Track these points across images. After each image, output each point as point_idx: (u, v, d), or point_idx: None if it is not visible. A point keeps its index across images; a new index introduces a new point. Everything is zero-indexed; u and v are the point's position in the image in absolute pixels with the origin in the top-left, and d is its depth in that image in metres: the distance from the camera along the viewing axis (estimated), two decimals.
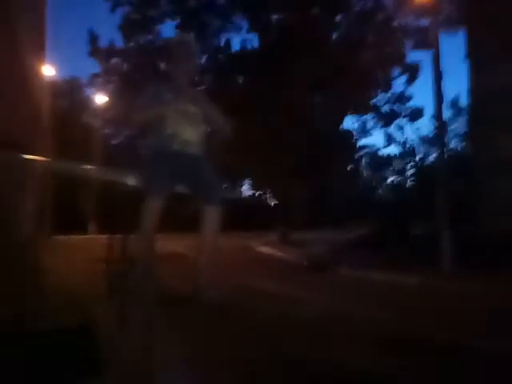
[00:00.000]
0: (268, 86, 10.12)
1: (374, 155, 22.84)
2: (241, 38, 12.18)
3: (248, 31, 11.84)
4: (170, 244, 8.29)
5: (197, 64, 2.23)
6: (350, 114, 13.26)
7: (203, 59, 10.84)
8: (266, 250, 9.22)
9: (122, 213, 2.15)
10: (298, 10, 10.62)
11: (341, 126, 13.52)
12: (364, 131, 15.18)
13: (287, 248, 8.93)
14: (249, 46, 11.87)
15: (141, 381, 1.33)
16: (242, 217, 15.86)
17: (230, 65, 11.49)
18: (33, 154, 2.28)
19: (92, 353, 1.79)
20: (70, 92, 21.05)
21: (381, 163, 23.73)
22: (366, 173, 25.19)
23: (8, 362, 1.64)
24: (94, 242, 9.59)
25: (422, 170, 15.84)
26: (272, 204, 21.05)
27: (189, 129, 1.93)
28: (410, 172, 21.65)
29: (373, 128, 15.30)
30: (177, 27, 11.87)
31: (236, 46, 13.86)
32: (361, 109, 12.87)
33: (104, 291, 2.42)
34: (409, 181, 19.69)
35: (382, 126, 15.45)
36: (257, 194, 24.46)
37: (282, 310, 2.50)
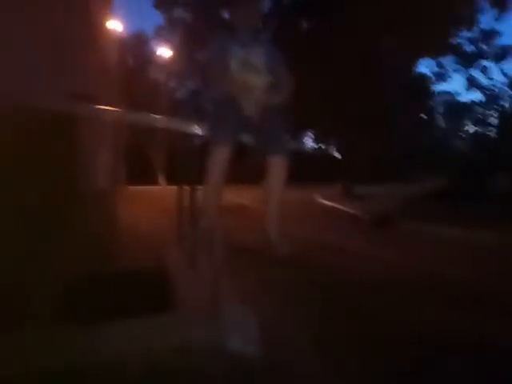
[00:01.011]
0: (332, 31, 9.49)
1: (452, 102, 20.84)
2: None
3: None
4: (235, 196, 8.51)
5: (260, 9, 2.10)
6: (426, 56, 12.05)
7: (266, 4, 10.37)
8: (329, 203, 9.10)
9: (191, 163, 2.19)
10: None
11: (414, 70, 12.40)
12: (442, 75, 13.75)
13: (351, 201, 8.73)
14: None
15: (208, 317, 1.40)
16: (304, 169, 15.70)
17: (294, 9, 10.87)
18: (105, 106, 2.36)
19: (164, 291, 1.93)
20: (136, 46, 21.51)
21: (459, 111, 21.60)
22: (443, 122, 23.19)
23: (95, 297, 1.82)
24: (164, 192, 10.15)
25: (506, 118, 14.22)
26: (337, 156, 20.55)
27: (253, 77, 1.86)
28: (491, 121, 19.56)
29: (453, 71, 13.79)
30: None
31: None
32: (438, 49, 11.59)
33: (174, 239, 2.55)
34: (489, 131, 17.88)
35: (464, 68, 13.79)
36: (320, 146, 23.93)
37: (342, 263, 2.46)
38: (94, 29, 3.89)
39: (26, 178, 1.73)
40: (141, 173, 18.65)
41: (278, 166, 1.70)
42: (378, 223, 5.34)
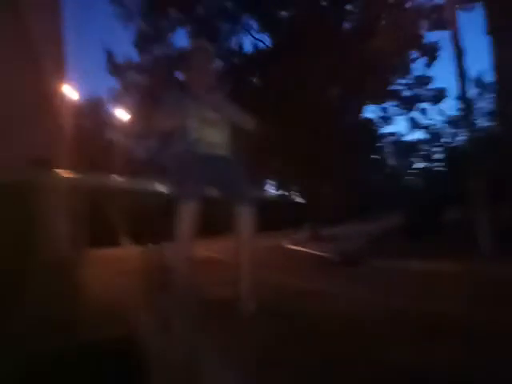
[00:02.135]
0: (283, 84, 10.07)
1: (398, 142, 22.27)
2: (252, 39, 12.19)
3: (258, 31, 11.87)
4: (205, 249, 8.37)
5: (214, 69, 2.20)
6: (370, 103, 13.00)
7: (218, 64, 10.94)
8: (297, 248, 9.16)
9: (155, 222, 2.18)
10: (306, 4, 10.53)
11: (361, 116, 13.26)
12: (386, 118, 14.83)
13: (318, 244, 8.83)
14: (260, 46, 11.89)
15: None
16: (269, 216, 15.85)
17: (245, 66, 11.52)
18: (62, 170, 2.34)
19: (140, 361, 1.82)
20: (93, 110, 21.63)
21: (406, 150, 23.08)
22: (391, 161, 24.59)
23: (62, 374, 1.68)
24: (129, 253, 9.81)
25: (451, 152, 15.30)
26: (298, 201, 20.94)
27: (212, 132, 1.92)
28: (437, 156, 20.94)
29: (395, 115, 14.95)
30: (188, 35, 12.03)
31: (248, 47, 13.86)
32: (380, 96, 12.59)
33: (144, 302, 2.45)
34: (437, 166, 19.06)
35: (405, 112, 15.02)
36: (281, 193, 24.38)
37: (323, 308, 2.46)
38: (48, 93, 3.92)
39: None
40: (103, 235, 17.97)
41: (245, 216, 1.72)
42: (347, 263, 5.41)
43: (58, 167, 3.02)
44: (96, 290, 3.57)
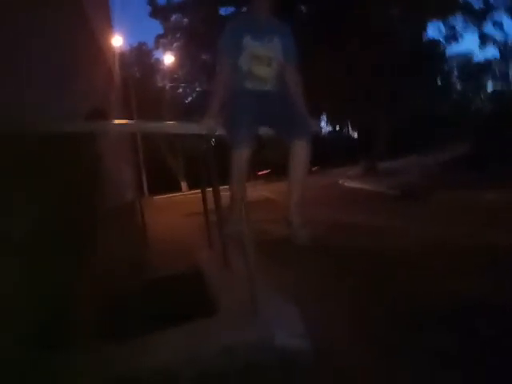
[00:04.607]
0: (335, 9, 9.28)
1: (467, 63, 19.99)
2: None
3: None
4: (260, 190, 8.50)
5: None
6: (434, 18, 11.54)
7: None
8: (353, 184, 8.98)
9: (210, 166, 2.19)
10: None
11: (424, 36, 11.94)
12: (453, 36, 13.07)
13: (375, 179, 8.58)
14: None
15: (252, 317, 1.40)
16: (324, 153, 15.51)
17: None
18: (118, 119, 2.38)
19: (203, 295, 1.94)
20: (140, 57, 21.71)
21: (476, 71, 20.66)
22: (458, 85, 22.26)
23: (137, 307, 1.84)
24: (188, 197, 10.25)
25: None
26: (353, 136, 20.21)
27: (263, 68, 1.83)
28: None
29: (464, 30, 13.08)
30: None
31: None
32: (446, 9, 11.07)
33: (205, 242, 2.56)
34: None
35: (475, 26, 12.98)
36: (335, 129, 23.61)
37: (379, 243, 2.41)
38: (98, 44, 3.94)
39: (50, 197, 1.77)
40: (163, 181, 18.85)
41: (300, 152, 1.66)
42: (408, 196, 5.22)
43: (112, 116, 3.08)
44: (160, 231, 3.80)
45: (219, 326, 1.42)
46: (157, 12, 13.19)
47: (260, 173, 16.29)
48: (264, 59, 1.81)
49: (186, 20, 13.23)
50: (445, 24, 12.10)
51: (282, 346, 1.22)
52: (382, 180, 8.04)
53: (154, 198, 13.87)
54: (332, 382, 1.10)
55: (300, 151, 1.64)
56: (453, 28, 12.27)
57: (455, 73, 20.40)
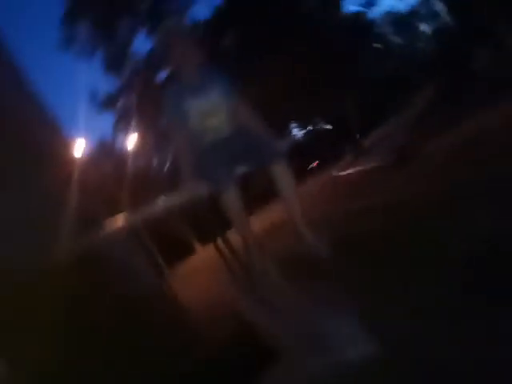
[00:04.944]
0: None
1: (395, 16, 20.36)
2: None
3: None
4: (262, 220, 8.49)
5: (194, 41, 2.07)
6: None
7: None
8: (347, 171, 9.03)
9: (210, 220, 2.23)
10: None
11: (341, 14, 12.34)
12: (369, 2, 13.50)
13: (366, 158, 8.65)
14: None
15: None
16: (308, 154, 15.61)
17: (213, 28, 11.02)
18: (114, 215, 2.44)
19: (265, 345, 1.91)
20: (107, 150, 22.13)
21: (405, 19, 21.01)
22: (397, 42, 22.68)
23: None
24: (205, 254, 10.22)
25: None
26: (328, 129, 20.43)
27: (213, 118, 1.90)
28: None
29: None
30: (148, 34, 11.79)
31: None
32: None
33: (238, 290, 2.55)
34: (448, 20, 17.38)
35: None
36: (309, 129, 23.87)
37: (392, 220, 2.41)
38: (64, 160, 4.04)
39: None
40: (177, 251, 18.84)
41: (280, 173, 1.72)
42: (402, 160, 5.25)
43: (109, 216, 3.14)
44: (194, 303, 3.77)
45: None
46: (103, 105, 13.65)
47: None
48: (210, 111, 1.89)
49: (131, 100, 13.69)
50: None
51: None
52: (372, 155, 8.10)
53: (177, 269, 13.83)
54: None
55: (281, 173, 1.70)
56: None
57: (389, 32, 20.88)
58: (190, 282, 6.70)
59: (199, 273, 7.62)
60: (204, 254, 10.73)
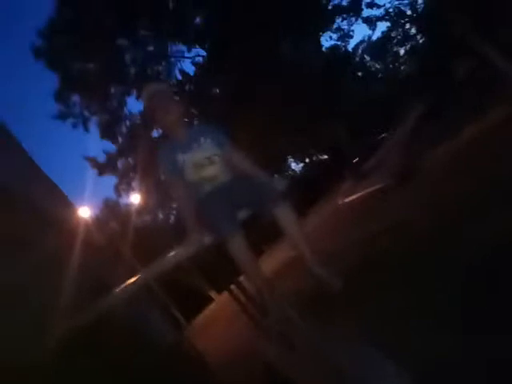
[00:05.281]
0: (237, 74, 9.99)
1: (370, 45, 21.15)
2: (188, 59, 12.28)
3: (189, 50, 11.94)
4: (272, 260, 8.40)
5: (178, 104, 2.19)
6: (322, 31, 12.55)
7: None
8: (350, 197, 9.03)
9: (220, 267, 2.24)
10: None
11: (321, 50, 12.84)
12: (346, 36, 14.05)
13: (366, 182, 8.68)
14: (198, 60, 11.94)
15: None
16: (310, 188, 15.68)
17: (195, 85, 11.51)
18: (127, 280, 2.45)
19: None
20: (112, 213, 22.34)
21: (381, 47, 21.84)
22: (375, 64, 23.36)
23: None
24: (221, 301, 10.04)
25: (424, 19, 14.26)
26: (324, 159, 20.66)
27: (209, 168, 1.96)
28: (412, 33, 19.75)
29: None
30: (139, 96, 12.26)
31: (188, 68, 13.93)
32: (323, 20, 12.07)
33: (259, 337, 2.50)
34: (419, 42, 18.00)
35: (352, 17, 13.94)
36: (307, 162, 24.11)
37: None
38: (70, 229, 4.11)
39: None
40: (194, 302, 18.49)
41: (283, 214, 1.74)
42: (403, 179, 5.27)
43: (123, 280, 3.14)
44: (213, 351, 3.69)
45: None
46: (102, 169, 13.94)
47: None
48: (204, 162, 1.95)
49: (129, 159, 13.99)
50: (331, 31, 13.21)
51: None
52: (373, 178, 8.14)
53: (194, 322, 13.51)
54: None
55: (283, 212, 1.72)
56: (339, 29, 13.39)
57: (367, 58, 21.61)
58: (208, 331, 6.55)
59: (217, 321, 7.46)
60: (221, 302, 10.54)
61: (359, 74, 17.00)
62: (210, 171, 1.93)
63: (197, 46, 11.82)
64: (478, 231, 1.74)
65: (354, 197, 8.92)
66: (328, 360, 1.48)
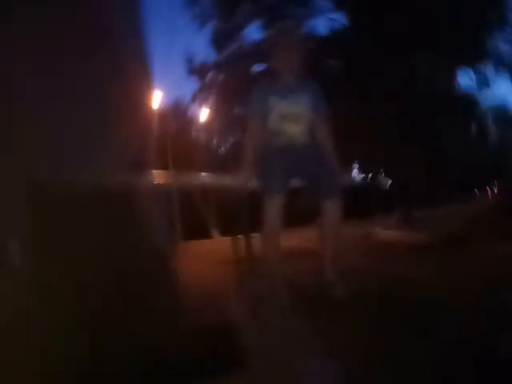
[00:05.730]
0: (362, 62, 9.57)
1: (503, 110, 19.50)
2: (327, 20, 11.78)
3: (333, 10, 11.45)
4: (291, 239, 8.38)
5: (305, 51, 2.10)
6: (463, 65, 11.58)
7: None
8: (388, 234, 8.74)
9: (242, 215, 2.22)
10: None
11: (455, 84, 11.94)
12: (485, 83, 12.88)
13: (411, 228, 8.32)
14: (336, 26, 11.46)
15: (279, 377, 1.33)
16: (357, 203, 15.32)
17: (322, 50, 11.13)
18: (155, 170, 2.50)
19: (233, 348, 1.88)
20: (176, 113, 22.95)
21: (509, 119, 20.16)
22: (495, 132, 21.60)
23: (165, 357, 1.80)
24: (219, 244, 10.30)
25: None
26: (387, 184, 19.96)
27: (292, 125, 1.90)
28: None
29: (495, 78, 12.88)
30: (262, 27, 12.05)
31: (322, 29, 13.40)
32: (475, 56, 11.09)
33: (236, 290, 2.53)
34: None
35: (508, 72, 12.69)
36: (367, 177, 23.36)
37: (421, 295, 2.30)
38: (137, 98, 4.20)
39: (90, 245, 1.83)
40: (195, 229, 19.11)
41: (331, 211, 1.68)
42: (445, 246, 5.00)
43: (150, 168, 3.23)
44: (190, 279, 3.79)
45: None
46: (193, 71, 14.09)
47: None
48: (292, 117, 1.89)
49: (220, 76, 14.01)
50: (475, 72, 12.04)
51: None
52: (418, 229, 7.79)
53: (188, 244, 14.01)
54: None
55: (331, 210, 1.66)
56: (483, 75, 12.15)
57: (490, 121, 19.96)
58: (194, 261, 6.75)
59: (206, 257, 7.66)
60: (218, 244, 10.78)
61: (475, 128, 15.75)
62: (292, 128, 1.87)
63: (342, 10, 11.27)
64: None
65: (388, 235, 8.63)
66: (284, 349, 1.47)
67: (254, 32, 14.29)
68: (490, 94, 13.62)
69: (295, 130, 1.88)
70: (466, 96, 12.46)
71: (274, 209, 1.65)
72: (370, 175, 22.38)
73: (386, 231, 9.15)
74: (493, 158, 19.72)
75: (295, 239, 7.62)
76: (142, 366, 1.74)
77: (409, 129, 9.81)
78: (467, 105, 12.52)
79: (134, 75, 4.13)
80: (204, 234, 19.80)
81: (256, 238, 2.01)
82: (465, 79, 13.60)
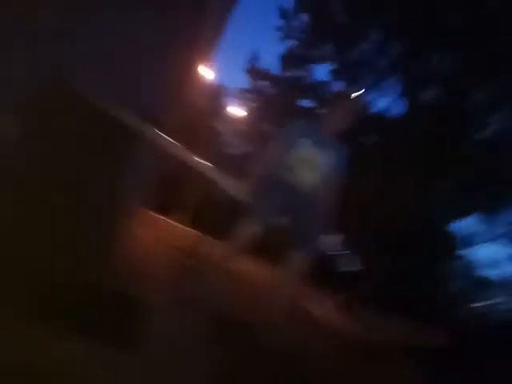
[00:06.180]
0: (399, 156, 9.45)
1: None
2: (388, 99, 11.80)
3: (399, 94, 11.31)
4: (249, 267, 8.24)
5: (355, 121, 2.18)
6: None
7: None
8: (322, 311, 8.60)
9: (220, 217, 2.22)
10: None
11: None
12: None
13: (348, 317, 8.24)
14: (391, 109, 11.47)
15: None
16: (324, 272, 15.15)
17: (367, 126, 10.93)
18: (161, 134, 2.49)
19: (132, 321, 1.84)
20: (214, 96, 22.96)
21: None
22: None
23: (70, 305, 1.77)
24: (180, 231, 10.15)
25: None
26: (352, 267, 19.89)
27: (308, 172, 1.93)
28: None
29: None
30: (330, 72, 12.25)
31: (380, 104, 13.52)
32: None
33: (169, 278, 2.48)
34: None
35: None
36: (343, 253, 23.35)
37: None
38: (186, 65, 4.20)
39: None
40: (168, 205, 18.79)
41: (297, 260, 1.69)
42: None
43: (162, 131, 3.23)
44: (137, 246, 3.72)
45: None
46: (251, 72, 14.21)
47: None
48: (311, 164, 1.93)
49: (272, 90, 14.17)
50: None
51: None
52: (353, 322, 7.67)
53: (154, 216, 13.77)
54: None
55: (298, 259, 1.66)
56: None
57: None
58: (150, 234, 6.64)
59: (163, 237, 7.56)
60: (182, 232, 10.67)
61: None
62: (305, 173, 1.91)
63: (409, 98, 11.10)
64: None
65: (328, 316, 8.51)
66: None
67: (323, 71, 14.54)
68: None
69: (307, 177, 1.92)
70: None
71: (250, 233, 1.67)
72: (347, 252, 22.39)
73: (323, 307, 9.00)
74: None
75: (251, 267, 7.53)
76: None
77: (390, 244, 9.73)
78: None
79: (195, 47, 4.18)
80: (175, 215, 19.48)
81: (218, 245, 2.00)
82: None
